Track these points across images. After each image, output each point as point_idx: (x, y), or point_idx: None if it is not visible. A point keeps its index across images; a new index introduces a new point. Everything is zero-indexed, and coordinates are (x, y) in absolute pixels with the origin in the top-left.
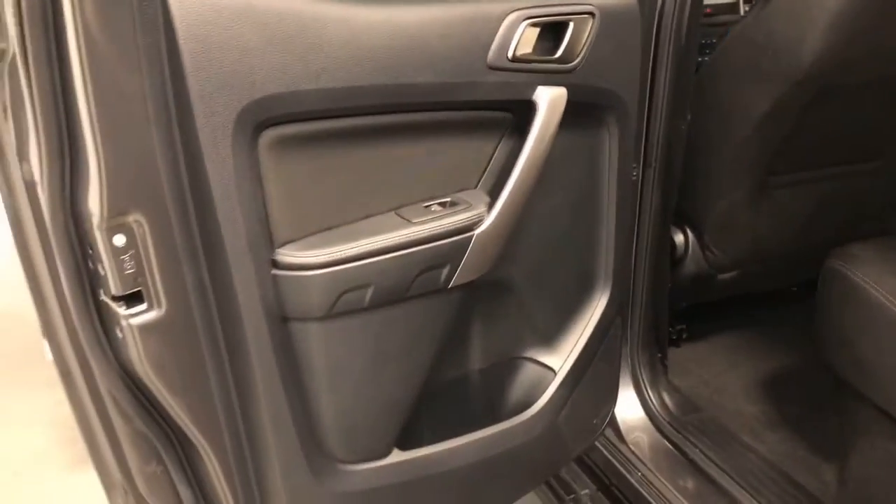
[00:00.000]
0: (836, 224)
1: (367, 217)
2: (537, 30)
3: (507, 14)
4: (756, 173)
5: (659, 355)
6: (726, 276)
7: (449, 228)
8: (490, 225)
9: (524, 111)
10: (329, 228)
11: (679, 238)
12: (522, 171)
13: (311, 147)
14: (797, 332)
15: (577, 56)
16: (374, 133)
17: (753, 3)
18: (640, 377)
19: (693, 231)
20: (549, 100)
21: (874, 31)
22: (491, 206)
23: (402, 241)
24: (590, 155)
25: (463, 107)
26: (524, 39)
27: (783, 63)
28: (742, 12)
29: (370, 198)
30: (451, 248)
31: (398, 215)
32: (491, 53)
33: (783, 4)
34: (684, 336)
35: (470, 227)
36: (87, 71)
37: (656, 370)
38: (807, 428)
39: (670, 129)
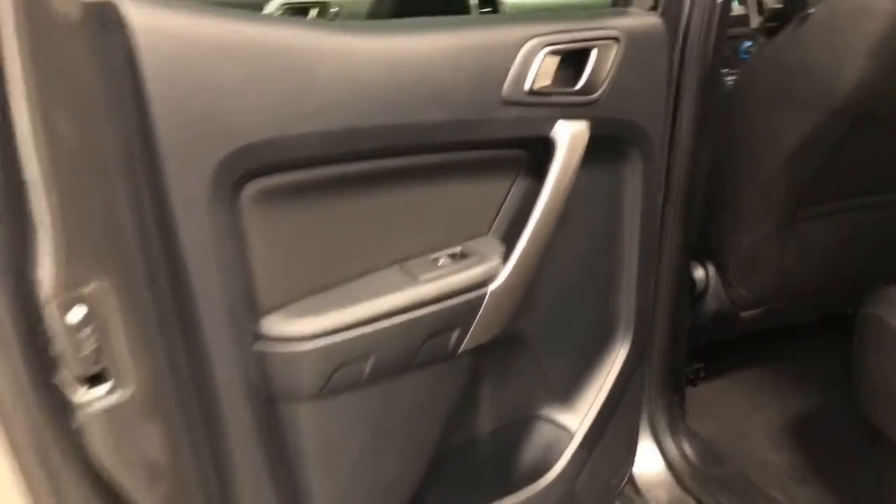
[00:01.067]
0: (867, 256)
1: (366, 273)
2: (558, 58)
3: (525, 41)
4: (786, 206)
5: (676, 398)
6: (749, 313)
7: (459, 286)
8: (505, 279)
9: (541, 148)
10: (323, 290)
11: (699, 273)
12: (541, 216)
13: (302, 198)
14: (822, 368)
15: (601, 86)
16: (374, 179)
17: (766, 15)
18: (656, 424)
19: (715, 266)
20: (569, 136)
21: None
22: (506, 256)
23: (406, 302)
24: (611, 193)
25: (474, 146)
26: (544, 69)
27: (819, 90)
28: (753, 24)
29: (370, 251)
30: (462, 308)
31: (402, 270)
32: (506, 86)
33: (818, 27)
34: (702, 375)
35: (483, 283)
36: (35, 117)
37: (674, 415)
38: (840, 481)
39: (693, 161)
